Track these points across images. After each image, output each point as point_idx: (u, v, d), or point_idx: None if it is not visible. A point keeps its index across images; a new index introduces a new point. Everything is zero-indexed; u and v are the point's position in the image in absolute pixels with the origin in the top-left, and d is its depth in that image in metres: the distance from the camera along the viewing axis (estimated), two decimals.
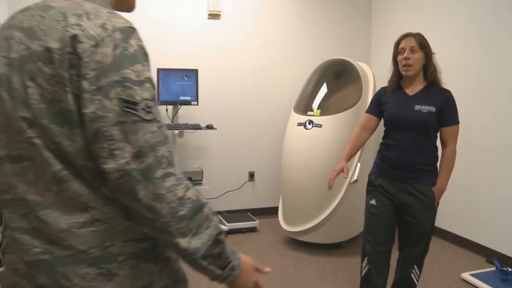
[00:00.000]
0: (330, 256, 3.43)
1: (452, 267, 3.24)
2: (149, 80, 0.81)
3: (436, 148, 2.22)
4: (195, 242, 0.81)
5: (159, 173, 0.77)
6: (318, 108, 3.53)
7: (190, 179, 3.89)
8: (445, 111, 2.14)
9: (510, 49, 3.20)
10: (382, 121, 2.34)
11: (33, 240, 0.81)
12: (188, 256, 0.83)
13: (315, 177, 3.34)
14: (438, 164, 2.23)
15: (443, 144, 2.20)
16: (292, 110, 3.77)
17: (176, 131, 4.01)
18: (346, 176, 2.19)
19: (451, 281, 3.00)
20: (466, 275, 3.00)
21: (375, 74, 3.74)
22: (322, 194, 3.34)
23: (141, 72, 0.79)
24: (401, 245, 2.31)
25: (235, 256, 0.90)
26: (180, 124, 3.99)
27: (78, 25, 0.78)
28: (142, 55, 0.82)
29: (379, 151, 2.33)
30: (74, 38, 0.76)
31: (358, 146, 2.36)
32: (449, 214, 3.81)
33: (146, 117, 0.78)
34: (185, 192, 0.80)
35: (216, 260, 0.86)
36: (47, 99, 0.78)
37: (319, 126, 3.39)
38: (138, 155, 0.76)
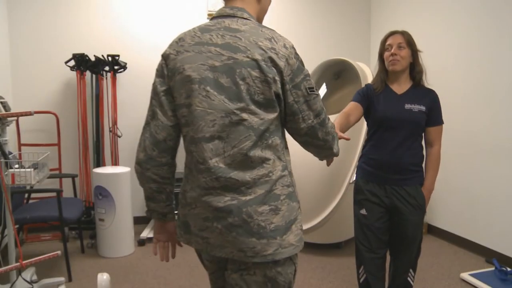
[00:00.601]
0: (330, 256, 3.43)
1: (451, 267, 3.24)
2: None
3: (422, 148, 2.19)
4: (337, 146, 1.38)
5: (326, 121, 1.30)
6: None
7: None
8: (433, 111, 2.13)
9: (509, 50, 3.20)
10: (366, 123, 2.28)
11: (224, 192, 1.21)
12: (334, 154, 1.38)
13: (314, 178, 3.34)
14: (423, 164, 2.20)
15: (429, 144, 2.18)
16: None
17: None
18: (348, 138, 1.83)
19: (451, 281, 3.00)
20: (465, 275, 3.00)
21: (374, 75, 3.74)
22: (321, 194, 3.34)
23: (307, 70, 1.27)
24: (392, 251, 2.25)
25: None
26: None
27: (272, 48, 1.20)
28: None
29: (363, 155, 2.26)
30: (272, 58, 1.18)
31: (346, 127, 2.09)
32: (449, 214, 3.81)
33: (317, 93, 1.28)
34: (333, 125, 1.35)
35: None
36: (251, 92, 1.18)
37: None
38: (317, 115, 1.27)
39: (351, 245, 3.59)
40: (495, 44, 3.31)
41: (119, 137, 4.08)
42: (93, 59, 3.85)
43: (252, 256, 1.21)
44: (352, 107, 2.17)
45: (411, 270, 2.23)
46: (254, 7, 1.32)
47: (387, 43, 2.14)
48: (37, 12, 3.87)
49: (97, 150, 3.95)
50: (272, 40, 1.21)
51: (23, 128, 3.83)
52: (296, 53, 1.24)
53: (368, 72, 3.71)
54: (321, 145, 1.32)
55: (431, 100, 2.13)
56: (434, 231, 3.98)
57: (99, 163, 3.95)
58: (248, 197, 1.20)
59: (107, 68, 3.92)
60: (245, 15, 1.27)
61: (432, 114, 2.14)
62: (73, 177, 3.59)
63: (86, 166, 3.91)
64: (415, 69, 2.15)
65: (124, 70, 3.98)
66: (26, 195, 3.44)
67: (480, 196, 3.48)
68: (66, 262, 2.97)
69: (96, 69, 3.86)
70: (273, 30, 1.25)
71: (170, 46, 1.30)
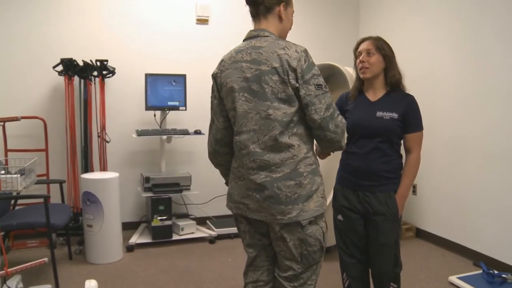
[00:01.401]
0: None
1: (439, 270, 3.27)
2: (320, 73, 1.61)
3: (400, 155, 2.15)
4: (344, 140, 1.66)
5: (336, 114, 1.60)
6: None
7: (178, 184, 3.87)
8: (408, 117, 2.07)
9: (503, 54, 3.24)
10: None
11: (260, 171, 1.59)
12: (342, 147, 1.65)
13: None
14: (401, 172, 2.16)
15: (407, 151, 2.13)
16: None
17: (164, 136, 3.99)
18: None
19: (439, 284, 3.02)
20: (453, 278, 3.03)
21: None
22: None
23: (317, 70, 1.59)
24: (369, 258, 2.20)
25: None
26: (168, 129, 3.98)
27: (286, 54, 1.54)
28: (313, 61, 1.60)
29: (341, 160, 2.25)
30: (287, 61, 1.53)
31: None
32: (437, 218, 3.85)
33: (326, 90, 1.58)
34: (342, 119, 1.62)
35: None
36: (274, 92, 1.55)
37: None
38: (327, 109, 1.57)
39: None
40: (488, 48, 3.34)
41: (108, 142, 4.05)
42: (81, 64, 3.83)
43: (280, 218, 1.58)
44: None
45: (393, 284, 2.19)
46: (276, 25, 1.67)
47: (358, 50, 2.13)
48: (25, 16, 3.84)
49: (85, 156, 3.92)
50: (286, 48, 1.56)
51: (10, 133, 3.78)
52: (306, 56, 1.57)
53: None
54: (332, 137, 1.60)
55: (406, 106, 2.07)
56: (422, 234, 4.01)
57: (87, 168, 3.92)
58: (277, 175, 1.57)
59: (95, 73, 3.90)
60: (266, 33, 1.62)
61: (408, 121, 2.07)
62: (60, 182, 3.55)
63: (74, 171, 3.88)
64: (388, 74, 2.11)
65: (112, 75, 3.96)
66: (13, 201, 3.39)
67: (469, 200, 3.52)
68: (54, 269, 2.93)
69: (85, 74, 3.83)
70: (288, 41, 1.61)
71: (217, 67, 1.71)
